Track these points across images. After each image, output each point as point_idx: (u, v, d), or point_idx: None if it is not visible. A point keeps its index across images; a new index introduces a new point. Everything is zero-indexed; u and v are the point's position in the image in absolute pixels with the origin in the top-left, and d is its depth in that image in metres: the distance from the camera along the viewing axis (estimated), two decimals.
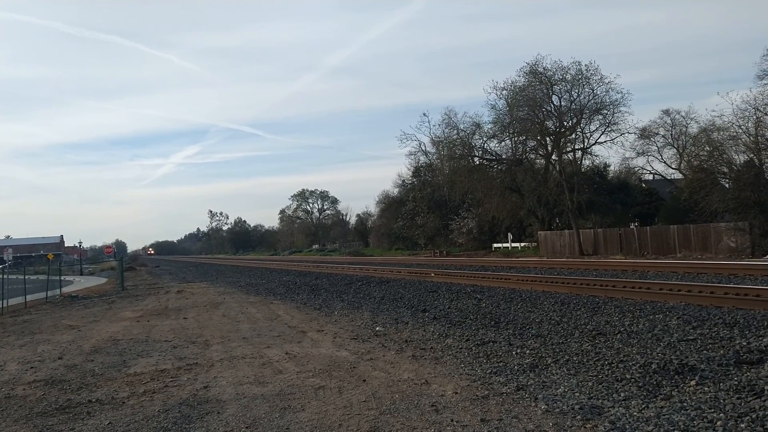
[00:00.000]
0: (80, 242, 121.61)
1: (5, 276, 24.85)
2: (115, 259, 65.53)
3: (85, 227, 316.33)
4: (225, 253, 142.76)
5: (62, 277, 33.90)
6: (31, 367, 10.00)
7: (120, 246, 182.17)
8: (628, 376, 6.76)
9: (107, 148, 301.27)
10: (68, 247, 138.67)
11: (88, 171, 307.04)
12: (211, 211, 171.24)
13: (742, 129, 30.71)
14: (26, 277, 27.83)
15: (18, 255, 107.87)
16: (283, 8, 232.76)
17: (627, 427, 5.17)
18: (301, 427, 5.83)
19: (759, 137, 29.94)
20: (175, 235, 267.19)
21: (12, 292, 24.44)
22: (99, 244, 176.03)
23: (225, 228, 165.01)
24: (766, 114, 30.32)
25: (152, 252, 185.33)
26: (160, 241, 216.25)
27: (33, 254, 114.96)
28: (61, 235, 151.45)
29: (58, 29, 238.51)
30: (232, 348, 10.73)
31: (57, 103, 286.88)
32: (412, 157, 64.82)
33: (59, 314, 19.50)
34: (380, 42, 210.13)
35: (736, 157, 31.77)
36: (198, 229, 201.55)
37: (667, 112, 50.19)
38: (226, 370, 8.80)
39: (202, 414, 6.50)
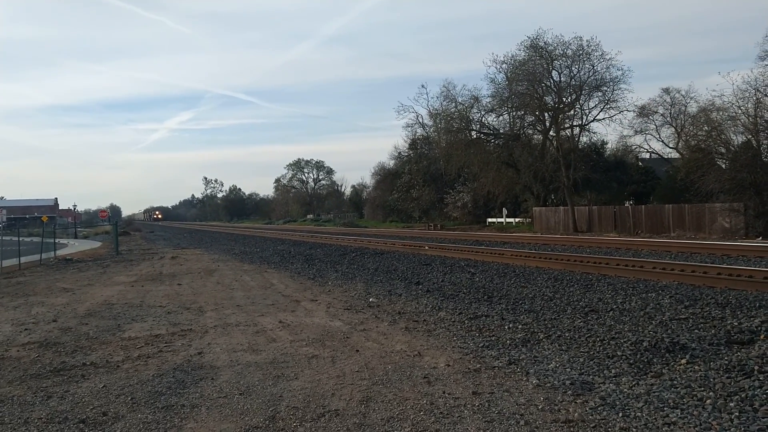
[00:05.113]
0: (75, 205, 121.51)
1: None
2: (109, 224, 65.40)
3: (80, 191, 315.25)
4: (219, 221, 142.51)
5: (56, 240, 33.88)
6: (26, 329, 10.03)
7: (114, 210, 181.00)
8: (619, 353, 6.82)
9: (101, 111, 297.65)
10: (62, 210, 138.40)
11: (81, 134, 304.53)
12: (205, 178, 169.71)
13: (741, 110, 30.57)
14: (20, 239, 27.78)
15: (12, 216, 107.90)
16: None
17: (617, 402, 5.22)
18: (294, 395, 5.87)
19: (758, 118, 29.85)
20: (169, 201, 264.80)
21: (6, 254, 24.44)
22: (93, 207, 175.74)
23: (220, 195, 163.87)
24: (766, 95, 30.18)
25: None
26: (155, 206, 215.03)
27: (27, 216, 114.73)
28: (56, 198, 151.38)
29: None
30: (226, 315, 10.77)
31: (50, 64, 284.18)
32: (409, 129, 64.51)
33: (53, 277, 19.51)
34: (376, 12, 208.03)
35: (734, 137, 31.72)
36: (192, 195, 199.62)
37: (667, 91, 49.78)
38: (220, 337, 8.84)
39: (196, 380, 6.55)
